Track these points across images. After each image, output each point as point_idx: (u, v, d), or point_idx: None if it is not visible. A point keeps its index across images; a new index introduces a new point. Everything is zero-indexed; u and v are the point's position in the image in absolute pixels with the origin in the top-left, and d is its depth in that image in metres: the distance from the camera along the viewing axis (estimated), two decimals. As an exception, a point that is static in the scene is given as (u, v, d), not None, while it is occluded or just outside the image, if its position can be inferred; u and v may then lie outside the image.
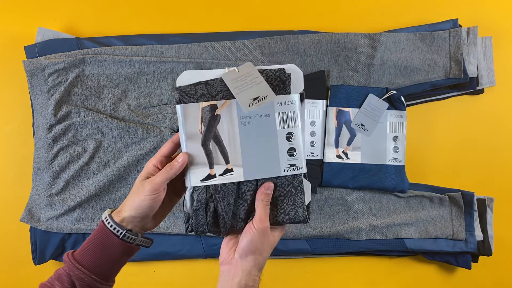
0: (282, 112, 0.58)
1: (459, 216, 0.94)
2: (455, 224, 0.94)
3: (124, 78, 0.94)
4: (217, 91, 0.58)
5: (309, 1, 1.00)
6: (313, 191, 0.89)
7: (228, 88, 0.57)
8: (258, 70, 0.59)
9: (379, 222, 0.93)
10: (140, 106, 0.94)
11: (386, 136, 0.94)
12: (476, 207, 0.95)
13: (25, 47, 0.94)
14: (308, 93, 0.90)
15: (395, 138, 0.94)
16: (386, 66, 0.94)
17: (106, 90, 0.94)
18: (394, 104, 0.93)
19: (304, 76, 0.86)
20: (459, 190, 0.96)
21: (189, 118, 0.57)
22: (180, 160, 0.56)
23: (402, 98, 0.93)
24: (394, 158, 0.93)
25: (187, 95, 0.57)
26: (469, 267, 0.94)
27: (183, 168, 0.56)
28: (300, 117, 0.59)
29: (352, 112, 0.94)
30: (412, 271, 0.98)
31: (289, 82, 0.59)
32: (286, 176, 0.58)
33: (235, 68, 0.58)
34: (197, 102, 0.57)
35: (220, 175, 0.57)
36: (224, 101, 0.57)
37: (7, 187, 0.98)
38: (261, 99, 0.57)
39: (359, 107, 0.93)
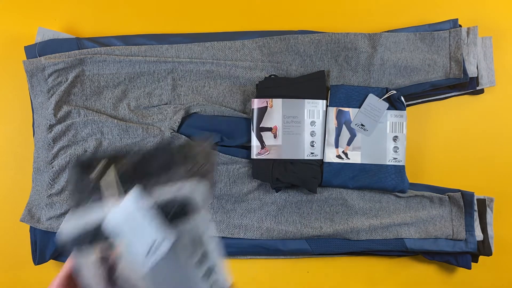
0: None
1: (459, 216, 0.94)
2: (455, 224, 0.94)
3: (124, 78, 0.94)
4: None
5: (309, 1, 1.00)
6: (313, 191, 0.90)
7: None
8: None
9: (379, 222, 0.93)
10: (140, 106, 0.94)
11: (386, 136, 0.94)
12: (476, 207, 0.95)
13: (25, 47, 0.94)
14: (308, 93, 0.90)
15: (395, 138, 0.94)
16: (386, 66, 0.94)
17: (106, 90, 0.94)
18: (394, 104, 0.93)
19: (304, 76, 0.89)
20: (459, 190, 0.96)
21: None
22: None
23: (402, 98, 0.93)
24: (394, 158, 0.93)
25: None
26: (469, 267, 0.94)
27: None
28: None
29: (352, 112, 0.94)
30: (412, 271, 0.98)
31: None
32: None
33: None
34: None
35: None
36: None
37: (7, 187, 0.98)
38: None
39: (359, 107, 0.93)
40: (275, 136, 0.89)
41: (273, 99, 0.89)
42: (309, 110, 0.91)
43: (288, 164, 0.89)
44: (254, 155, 0.89)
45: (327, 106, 0.94)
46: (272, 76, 0.91)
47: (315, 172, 0.91)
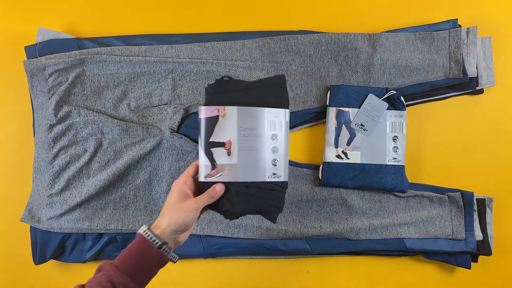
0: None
1: (458, 216, 0.94)
2: (454, 224, 0.94)
3: (124, 78, 0.94)
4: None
5: (309, 1, 1.01)
6: (272, 221, 0.74)
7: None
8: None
9: (379, 222, 0.93)
10: (140, 106, 0.94)
11: (386, 136, 0.94)
12: (475, 207, 0.95)
13: (25, 47, 0.94)
14: (268, 100, 0.73)
15: (394, 138, 0.94)
16: (385, 66, 0.94)
17: (106, 90, 0.94)
18: (394, 104, 0.94)
19: (262, 80, 0.74)
20: (458, 190, 0.96)
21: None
22: (218, 189, 0.67)
23: (402, 98, 0.93)
24: (394, 158, 0.93)
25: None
26: (468, 267, 0.94)
27: (220, 195, 0.67)
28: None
29: (351, 112, 0.94)
30: (412, 271, 0.98)
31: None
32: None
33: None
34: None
35: None
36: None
37: (7, 187, 0.98)
38: None
39: (359, 107, 0.94)
40: (228, 153, 0.69)
41: (227, 107, 0.70)
42: (270, 120, 0.72)
43: (243, 187, 0.70)
44: (202, 177, 0.68)
45: (328, 102, 0.93)
46: (225, 78, 0.74)
47: (276, 199, 0.73)
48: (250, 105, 0.72)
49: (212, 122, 0.70)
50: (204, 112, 0.70)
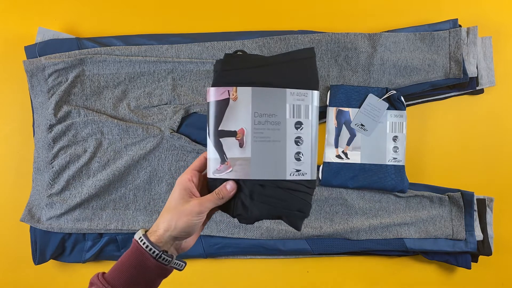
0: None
1: (459, 216, 0.94)
2: (455, 224, 0.94)
3: (124, 78, 0.94)
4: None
5: (309, 1, 1.00)
6: (297, 228, 0.61)
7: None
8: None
9: (379, 222, 0.93)
10: (140, 106, 0.94)
11: (386, 136, 0.94)
12: (475, 207, 0.95)
13: (25, 47, 0.94)
14: (292, 79, 0.61)
15: (395, 138, 0.94)
16: (386, 66, 0.94)
17: (106, 90, 0.94)
18: (394, 104, 0.94)
19: (285, 54, 0.62)
20: (459, 190, 0.96)
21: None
22: (229, 188, 0.57)
23: (402, 98, 0.93)
24: (394, 158, 0.93)
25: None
26: (468, 267, 0.94)
27: (231, 196, 0.57)
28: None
29: (352, 112, 0.94)
30: (412, 271, 0.98)
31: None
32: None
33: None
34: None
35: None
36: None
37: (7, 187, 0.98)
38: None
39: (359, 107, 0.94)
40: (241, 145, 0.59)
41: (239, 88, 0.58)
42: (294, 105, 0.60)
43: (258, 187, 0.59)
44: (210, 173, 0.59)
45: (324, 102, 0.93)
46: (239, 53, 0.61)
47: (300, 202, 0.60)
48: (267, 85, 0.59)
49: (222, 106, 0.59)
50: (212, 95, 0.59)
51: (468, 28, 0.95)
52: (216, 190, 0.56)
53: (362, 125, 0.94)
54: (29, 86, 0.93)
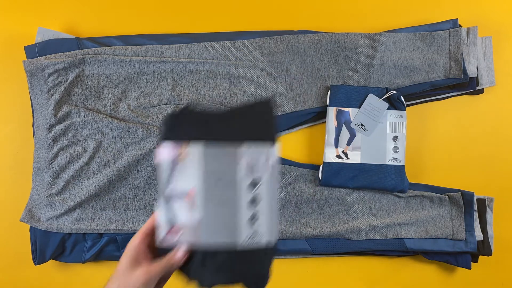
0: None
1: (459, 216, 0.94)
2: (455, 224, 0.94)
3: (124, 78, 0.94)
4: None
5: (309, 1, 1.00)
6: None
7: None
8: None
9: (379, 222, 0.93)
10: (140, 106, 0.94)
11: (386, 136, 0.94)
12: (476, 207, 0.95)
13: (25, 47, 0.94)
14: (248, 133, 0.55)
15: (395, 138, 0.94)
16: (386, 66, 0.94)
17: (106, 90, 0.94)
18: (394, 104, 0.94)
19: (239, 108, 0.56)
20: (459, 190, 0.96)
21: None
22: (179, 255, 0.52)
23: (402, 98, 0.93)
24: (394, 158, 0.93)
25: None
26: (469, 267, 0.94)
27: (182, 263, 0.52)
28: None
29: (352, 112, 0.94)
30: (412, 271, 0.98)
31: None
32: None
33: None
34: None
35: None
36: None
37: (7, 187, 0.98)
38: None
39: (359, 107, 0.94)
40: (191, 207, 0.53)
41: (189, 144, 0.53)
42: (249, 162, 0.54)
43: (210, 253, 0.53)
44: (160, 238, 0.54)
45: (328, 102, 0.93)
46: (191, 107, 0.55)
47: (260, 265, 0.55)
48: (220, 141, 0.54)
49: (171, 165, 0.54)
50: (161, 153, 0.54)
51: (468, 28, 0.95)
52: (166, 257, 0.52)
53: (362, 125, 0.94)
54: (29, 86, 0.93)
